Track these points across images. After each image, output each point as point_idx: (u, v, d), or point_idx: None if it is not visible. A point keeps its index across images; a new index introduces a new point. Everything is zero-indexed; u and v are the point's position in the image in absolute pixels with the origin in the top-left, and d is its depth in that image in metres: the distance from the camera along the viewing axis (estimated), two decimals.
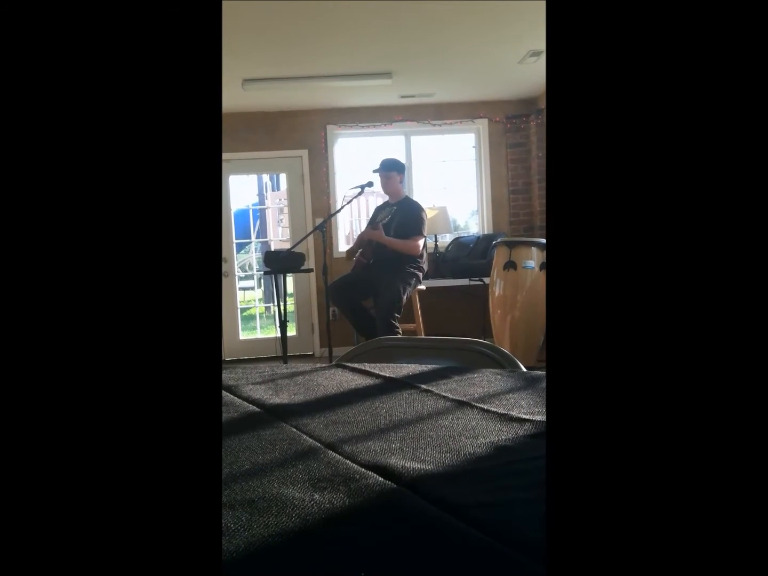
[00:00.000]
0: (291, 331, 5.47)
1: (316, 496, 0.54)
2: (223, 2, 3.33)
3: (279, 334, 4.29)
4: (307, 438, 0.71)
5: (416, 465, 0.60)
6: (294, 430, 0.75)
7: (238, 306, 5.81)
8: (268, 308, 7.61)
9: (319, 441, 0.70)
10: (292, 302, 5.71)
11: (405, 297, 3.98)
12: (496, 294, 4.18)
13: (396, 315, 3.89)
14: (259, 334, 6.34)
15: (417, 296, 4.32)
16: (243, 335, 5.88)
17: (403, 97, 5.24)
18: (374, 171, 4.17)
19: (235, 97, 4.91)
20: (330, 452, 0.65)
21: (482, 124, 5.58)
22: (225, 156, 5.41)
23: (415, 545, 0.45)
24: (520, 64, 4.59)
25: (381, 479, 0.57)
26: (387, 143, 5.73)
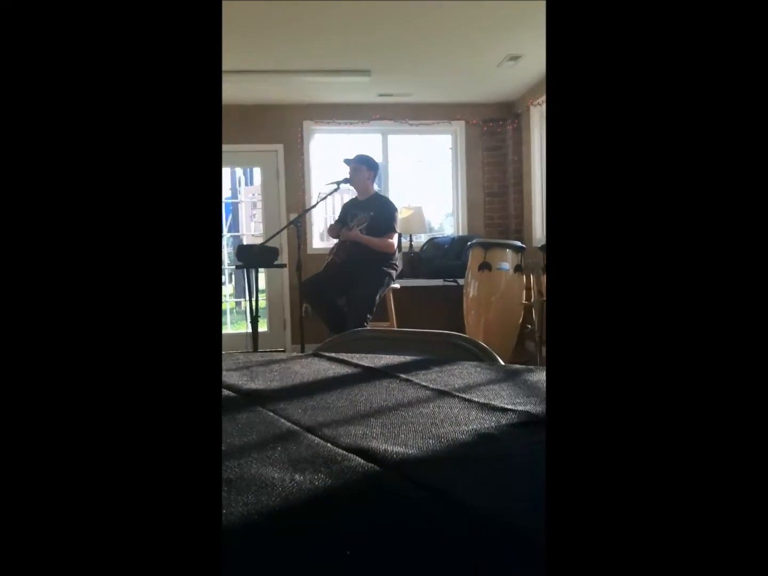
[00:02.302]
0: (262, 327, 5.41)
1: (297, 476, 0.52)
2: None
3: (250, 330, 4.24)
4: (285, 422, 0.69)
5: (399, 449, 0.58)
6: (271, 414, 0.73)
7: None
8: (238, 303, 7.52)
9: (298, 425, 0.68)
10: (264, 298, 5.65)
11: (378, 297, 3.97)
12: (471, 295, 4.19)
13: (368, 316, 3.88)
14: (229, 329, 6.26)
15: (391, 295, 4.31)
16: None
17: (381, 95, 5.23)
18: (344, 160, 4.15)
19: None
20: (309, 435, 0.64)
21: (459, 126, 5.60)
22: None
23: (399, 526, 0.44)
24: (499, 67, 4.62)
25: (363, 462, 0.55)
26: (364, 141, 5.72)
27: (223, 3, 3.33)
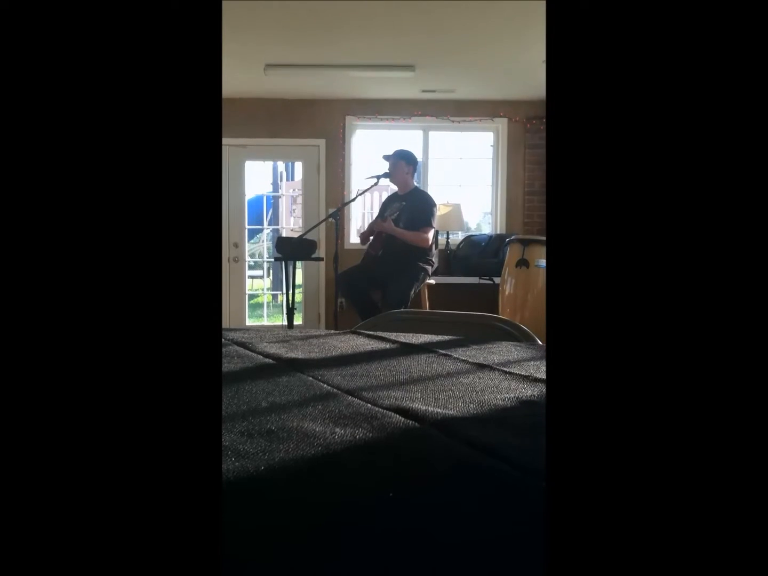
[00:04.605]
0: (297, 320, 5.46)
1: (338, 429, 0.52)
2: None
3: (285, 322, 4.28)
4: (325, 385, 0.70)
5: (440, 410, 0.58)
6: (311, 378, 0.73)
7: (246, 292, 5.81)
8: (275, 297, 7.61)
9: (338, 388, 0.68)
10: (300, 292, 5.70)
11: (413, 293, 3.96)
12: (507, 293, 4.15)
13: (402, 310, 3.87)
14: (266, 322, 6.34)
15: (426, 291, 4.29)
16: (249, 322, 5.88)
17: (424, 91, 5.22)
18: (383, 156, 4.15)
19: (256, 82, 4.90)
20: (349, 397, 0.64)
21: (502, 123, 5.55)
22: (242, 141, 5.40)
23: (443, 476, 0.43)
24: (544, 63, 4.55)
25: (403, 419, 0.55)
26: (405, 137, 5.71)
27: None
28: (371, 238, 4.12)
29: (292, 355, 0.88)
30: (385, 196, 4.87)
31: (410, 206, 4.01)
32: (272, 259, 5.45)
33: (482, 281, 4.98)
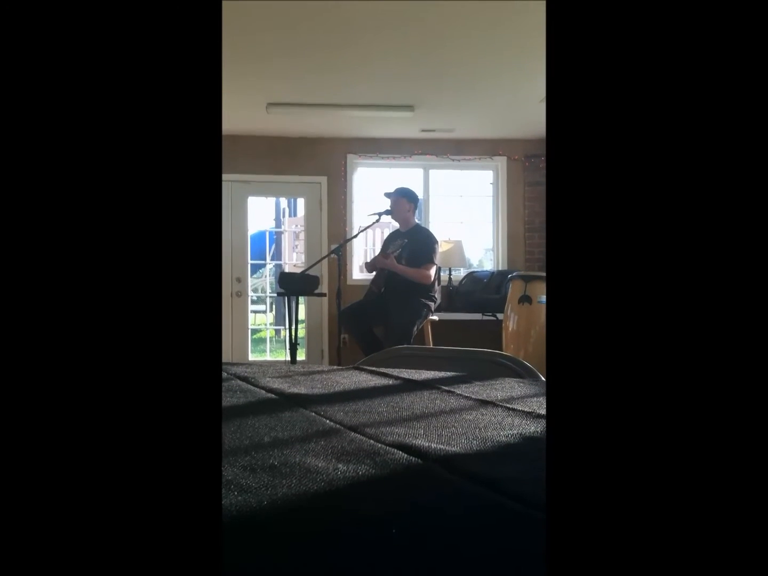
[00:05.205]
0: (300, 356, 5.45)
1: (341, 465, 0.52)
2: (254, 28, 3.42)
3: (288, 357, 4.26)
4: (327, 421, 0.70)
5: (443, 447, 0.58)
6: (313, 414, 0.73)
7: (249, 327, 5.81)
8: (278, 332, 7.61)
9: (340, 424, 0.68)
10: (303, 327, 5.70)
11: (416, 328, 3.96)
12: (510, 329, 4.15)
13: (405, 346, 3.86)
14: (268, 357, 6.32)
15: (429, 327, 4.29)
16: (252, 357, 5.86)
17: (423, 130, 5.31)
18: (385, 194, 4.20)
19: (259, 120, 4.99)
20: (352, 433, 0.64)
21: (501, 161, 5.63)
22: (246, 177, 5.47)
23: (447, 510, 0.43)
24: (542, 103, 4.64)
25: (406, 455, 0.55)
26: (406, 175, 5.79)
27: (272, 36, 3.46)
28: (374, 273, 4.14)
29: (294, 390, 0.89)
30: (386, 232, 4.91)
31: (412, 243, 4.03)
32: (275, 294, 5.48)
33: (485, 317, 4.98)
